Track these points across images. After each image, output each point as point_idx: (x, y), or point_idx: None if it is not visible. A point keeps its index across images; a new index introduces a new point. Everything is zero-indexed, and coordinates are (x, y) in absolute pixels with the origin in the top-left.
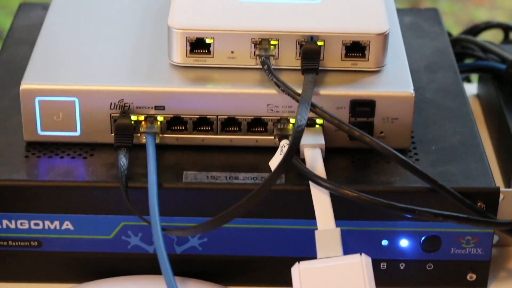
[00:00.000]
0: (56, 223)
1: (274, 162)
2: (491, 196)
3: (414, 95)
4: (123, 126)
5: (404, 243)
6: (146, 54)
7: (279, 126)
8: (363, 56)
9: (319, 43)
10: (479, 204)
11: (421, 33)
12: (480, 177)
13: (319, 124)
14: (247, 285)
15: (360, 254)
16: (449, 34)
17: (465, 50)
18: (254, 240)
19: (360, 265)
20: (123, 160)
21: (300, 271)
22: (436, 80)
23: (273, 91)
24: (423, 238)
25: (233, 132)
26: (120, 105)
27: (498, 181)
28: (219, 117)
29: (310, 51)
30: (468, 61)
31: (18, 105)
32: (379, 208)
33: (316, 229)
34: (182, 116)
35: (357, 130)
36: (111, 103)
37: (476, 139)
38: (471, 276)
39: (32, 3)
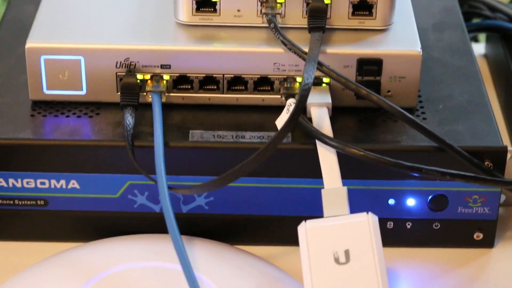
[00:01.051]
0: (62, 182)
1: (281, 121)
2: (499, 155)
3: (421, 53)
4: (129, 85)
5: (411, 202)
6: (152, 12)
7: (285, 85)
8: (370, 14)
9: (326, 1)
10: (486, 163)
11: None
12: (488, 136)
13: (326, 83)
14: (254, 244)
15: (367, 212)
16: None
17: (473, 9)
18: (261, 199)
19: (367, 224)
20: (129, 119)
21: (306, 230)
22: (443, 39)
23: (279, 49)
24: (430, 197)
25: (240, 91)
26: (126, 64)
27: (506, 140)
28: (225, 76)
29: (317, 9)
30: (476, 20)
31: (23, 64)
32: (386, 167)
33: (323, 188)
34: (188, 75)
35: (364, 88)
36: (117, 62)
37: (484, 98)
38: (478, 235)
39: None
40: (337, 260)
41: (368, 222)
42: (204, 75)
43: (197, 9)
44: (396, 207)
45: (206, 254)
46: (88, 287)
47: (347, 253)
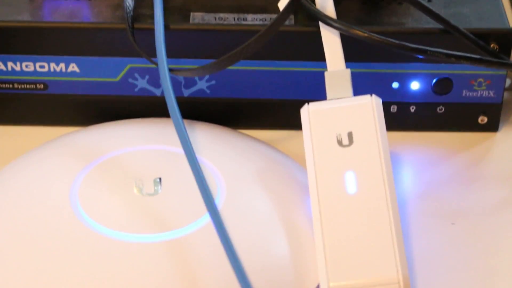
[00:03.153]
0: (62, 65)
1: (283, 3)
2: (505, 37)
3: None
4: None
5: (415, 85)
6: None
7: None
8: None
9: None
10: (492, 45)
11: None
12: (494, 18)
13: None
14: (256, 128)
15: (371, 95)
16: None
17: None
18: (263, 82)
19: (370, 106)
20: (128, 1)
21: (309, 112)
22: None
23: None
24: (434, 80)
25: None
26: None
27: None
28: None
29: None
30: None
31: None
32: (390, 49)
33: (326, 70)
34: None
35: None
36: None
37: None
38: (483, 119)
39: None
40: (340, 143)
41: (371, 104)
42: None
43: None
44: (400, 90)
45: (207, 138)
46: (89, 170)
47: (350, 135)
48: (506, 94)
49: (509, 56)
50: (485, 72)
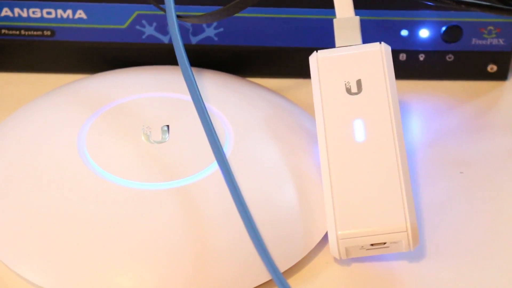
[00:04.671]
0: (69, 11)
1: None
2: None
3: None
4: None
5: (424, 33)
6: None
7: None
8: None
9: None
10: None
11: None
12: None
13: None
14: (264, 76)
15: (380, 42)
16: None
17: None
18: (271, 30)
19: (379, 53)
20: None
21: (318, 60)
22: None
23: None
24: (443, 28)
25: None
26: None
27: None
28: None
29: None
30: None
31: None
32: None
33: (335, 17)
34: None
35: None
36: None
37: None
38: (492, 68)
39: None
40: (348, 90)
41: (380, 51)
42: None
43: None
44: (409, 38)
45: (216, 85)
46: (96, 117)
47: (359, 83)
48: None
49: None
50: (495, 20)
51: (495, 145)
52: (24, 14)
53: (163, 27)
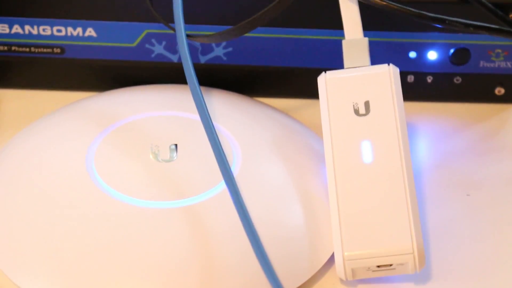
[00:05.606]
0: (79, 29)
1: None
2: None
3: None
4: None
5: (432, 55)
6: None
7: None
8: None
9: None
10: (511, 15)
11: None
12: None
13: None
14: (272, 96)
15: (388, 64)
16: None
17: None
18: (280, 50)
19: (388, 75)
20: None
21: (326, 81)
22: None
23: None
24: (452, 51)
25: None
26: None
27: None
28: None
29: None
30: None
31: None
32: (408, 18)
33: (343, 38)
34: None
35: None
36: None
37: None
38: (499, 90)
39: None
40: (356, 112)
41: (389, 73)
42: None
43: None
44: (417, 60)
45: (224, 105)
46: (106, 134)
47: (367, 104)
48: None
49: None
50: (503, 43)
51: (502, 168)
52: (34, 32)
53: (172, 46)
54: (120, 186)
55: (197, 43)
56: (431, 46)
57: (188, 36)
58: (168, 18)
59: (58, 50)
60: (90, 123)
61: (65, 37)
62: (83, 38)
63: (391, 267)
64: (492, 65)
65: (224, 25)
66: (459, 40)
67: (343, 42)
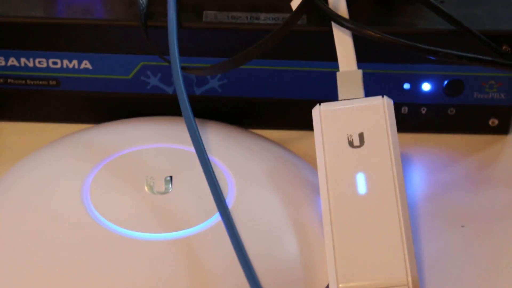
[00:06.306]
0: (75, 62)
1: (296, 2)
2: None
3: None
4: None
5: (426, 86)
6: None
7: None
8: None
9: None
10: (504, 47)
11: None
12: (506, 20)
13: None
14: (267, 127)
15: (382, 96)
16: None
17: None
18: (275, 82)
19: (382, 107)
20: None
21: (320, 112)
22: None
23: None
24: (446, 82)
25: None
26: None
27: None
28: None
29: None
30: None
31: None
32: (402, 50)
33: (338, 70)
34: None
35: None
36: None
37: None
38: (493, 122)
39: None
40: (351, 144)
41: (383, 105)
42: None
43: None
44: (411, 91)
45: (219, 137)
46: (100, 168)
47: (361, 136)
48: None
49: None
50: (496, 74)
51: (497, 199)
52: (30, 64)
53: (167, 78)
54: (116, 218)
55: (192, 74)
56: (425, 77)
57: (183, 68)
58: (163, 50)
59: (54, 83)
60: (86, 156)
61: (61, 70)
62: (78, 71)
63: None
64: (486, 96)
65: (219, 57)
66: (453, 71)
67: (337, 74)
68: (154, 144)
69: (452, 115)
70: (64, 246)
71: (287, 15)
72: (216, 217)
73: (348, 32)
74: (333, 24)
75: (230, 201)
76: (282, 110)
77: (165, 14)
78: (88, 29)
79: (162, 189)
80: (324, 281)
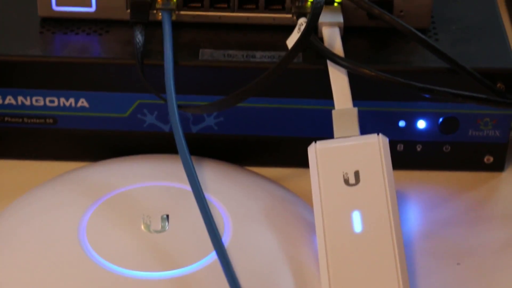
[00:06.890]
0: (72, 100)
1: (292, 40)
2: (511, 77)
3: None
4: (139, 2)
5: (421, 124)
6: None
7: (297, 4)
8: None
9: None
10: (498, 85)
11: None
12: (500, 57)
13: (338, 2)
14: (263, 165)
15: (378, 134)
16: None
17: None
18: (271, 119)
19: (377, 145)
20: (138, 37)
21: (316, 150)
22: None
23: None
24: (441, 120)
25: (250, 10)
26: None
27: None
28: None
29: None
30: None
31: None
32: (397, 88)
33: (333, 108)
34: None
35: (377, 8)
36: None
37: (498, 20)
38: (488, 159)
39: None
40: (346, 182)
41: (378, 143)
42: None
43: None
44: (406, 129)
45: (215, 175)
46: (97, 206)
47: (357, 174)
48: None
49: None
50: (491, 112)
51: (492, 236)
52: (27, 102)
53: (164, 116)
54: (112, 256)
55: (188, 112)
56: (420, 115)
57: (179, 106)
58: (159, 89)
59: (51, 121)
60: (82, 194)
61: (58, 108)
62: (75, 109)
63: None
64: (480, 133)
65: (215, 95)
66: (448, 109)
67: (333, 112)
68: (151, 182)
69: (447, 152)
70: (61, 284)
71: (283, 53)
72: (213, 256)
73: (344, 70)
74: (328, 62)
75: (226, 239)
76: (278, 147)
77: (161, 52)
78: (85, 68)
79: (159, 227)
80: None
